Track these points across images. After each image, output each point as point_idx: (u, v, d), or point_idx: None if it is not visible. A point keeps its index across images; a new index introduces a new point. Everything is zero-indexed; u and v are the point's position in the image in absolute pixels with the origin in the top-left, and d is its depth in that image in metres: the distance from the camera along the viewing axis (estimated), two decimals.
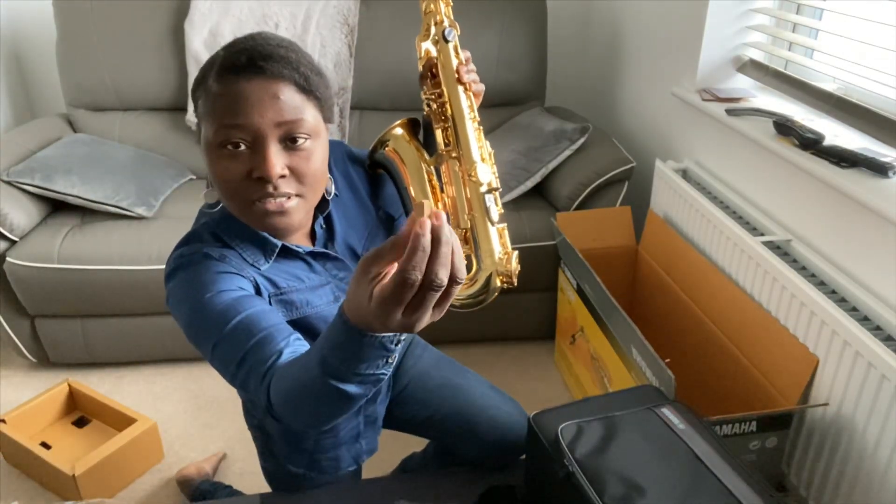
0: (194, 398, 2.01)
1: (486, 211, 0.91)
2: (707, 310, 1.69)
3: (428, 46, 0.97)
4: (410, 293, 0.59)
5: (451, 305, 0.91)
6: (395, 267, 0.60)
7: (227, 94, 0.82)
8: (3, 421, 1.74)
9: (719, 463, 0.97)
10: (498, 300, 0.96)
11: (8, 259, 1.93)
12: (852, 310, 1.37)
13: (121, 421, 1.78)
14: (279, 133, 0.84)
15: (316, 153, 0.88)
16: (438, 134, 0.96)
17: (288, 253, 0.96)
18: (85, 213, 2.06)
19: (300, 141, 0.85)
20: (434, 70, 0.96)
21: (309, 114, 0.86)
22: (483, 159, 0.94)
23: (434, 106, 0.96)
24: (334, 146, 1.07)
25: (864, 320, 1.34)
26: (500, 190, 0.94)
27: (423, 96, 0.97)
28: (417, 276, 0.58)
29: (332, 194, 1.01)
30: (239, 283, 0.89)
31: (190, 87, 0.92)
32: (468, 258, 0.94)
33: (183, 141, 2.37)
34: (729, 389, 1.59)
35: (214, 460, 1.77)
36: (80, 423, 1.87)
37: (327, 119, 0.92)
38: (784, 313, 1.47)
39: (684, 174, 1.98)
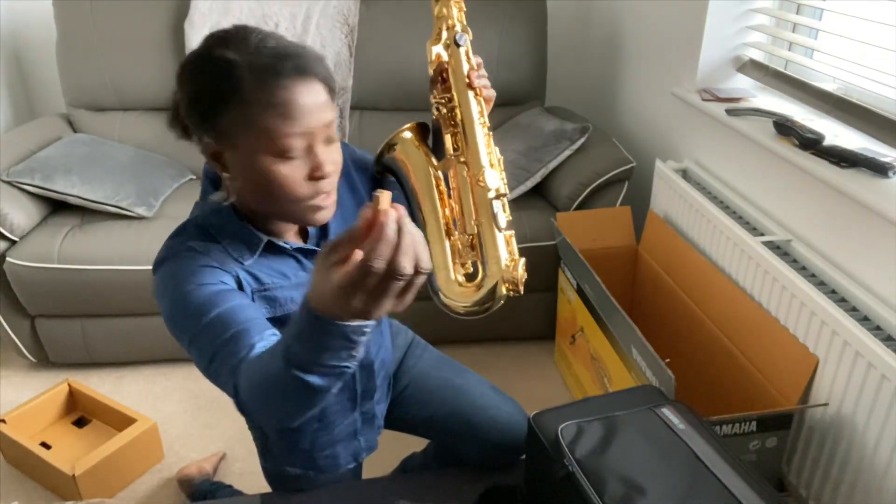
0: (194, 398, 2.00)
1: (494, 217, 0.90)
2: (707, 310, 1.69)
3: (439, 50, 0.96)
4: (373, 281, 0.61)
5: (455, 312, 0.91)
6: (357, 255, 0.61)
7: (281, 102, 0.81)
8: (3, 421, 1.74)
9: (719, 463, 0.97)
10: None
11: (8, 259, 1.93)
12: (852, 310, 1.37)
13: (121, 421, 1.78)
14: (324, 134, 0.86)
15: (338, 144, 0.91)
16: (447, 139, 0.95)
17: (275, 249, 0.96)
18: (85, 213, 2.06)
19: (332, 137, 0.88)
20: (445, 74, 0.96)
21: (335, 110, 0.89)
22: (492, 165, 0.93)
23: (444, 110, 0.96)
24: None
25: (864, 320, 1.34)
26: (509, 196, 0.94)
27: (433, 100, 0.97)
28: (381, 265, 0.60)
29: None
30: (220, 278, 0.89)
31: (190, 100, 0.88)
32: (474, 264, 0.94)
33: (183, 141, 2.37)
34: (729, 389, 1.59)
35: (215, 460, 1.77)
36: (80, 423, 1.87)
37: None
38: (784, 313, 1.47)
39: (684, 174, 1.98)
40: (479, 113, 0.95)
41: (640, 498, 0.91)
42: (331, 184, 0.89)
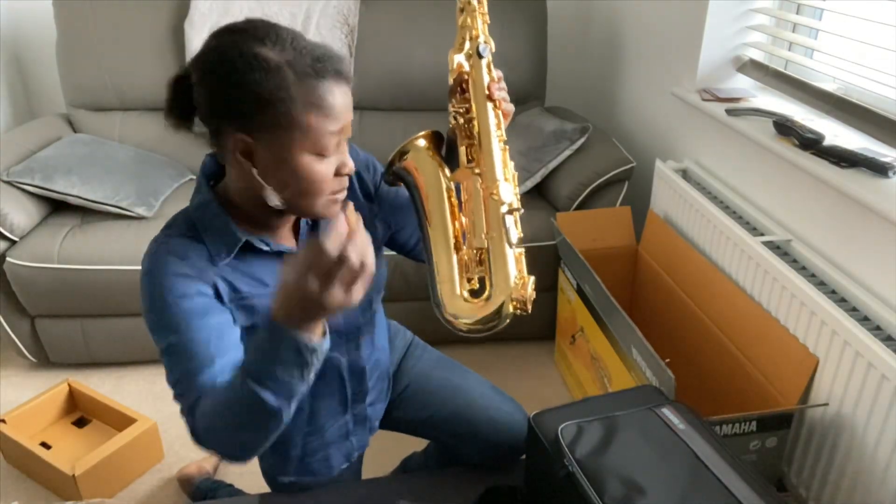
0: None
1: (506, 232, 0.90)
2: (707, 310, 1.69)
3: (461, 60, 0.95)
4: (324, 265, 0.73)
5: (458, 329, 0.91)
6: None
7: (324, 103, 0.84)
8: (3, 421, 1.74)
9: (719, 463, 0.97)
10: None
11: (8, 259, 1.93)
12: (852, 310, 1.37)
13: (121, 421, 1.78)
14: (349, 133, 0.90)
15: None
16: (462, 150, 0.95)
17: (255, 250, 0.95)
18: (85, 213, 2.06)
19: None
20: (465, 85, 0.95)
21: None
22: (507, 179, 0.93)
23: (461, 120, 0.95)
24: None
25: (864, 320, 1.34)
26: (522, 212, 0.93)
27: (451, 109, 0.96)
28: (334, 251, 0.73)
29: None
30: (198, 288, 0.90)
31: (223, 96, 0.88)
32: (481, 280, 0.92)
33: (183, 141, 2.37)
34: (729, 389, 1.59)
35: (215, 459, 1.77)
36: (80, 423, 1.87)
37: None
38: (784, 313, 1.47)
39: (684, 174, 1.98)
40: (496, 125, 0.95)
41: (640, 498, 0.91)
42: (349, 179, 0.93)
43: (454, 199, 0.97)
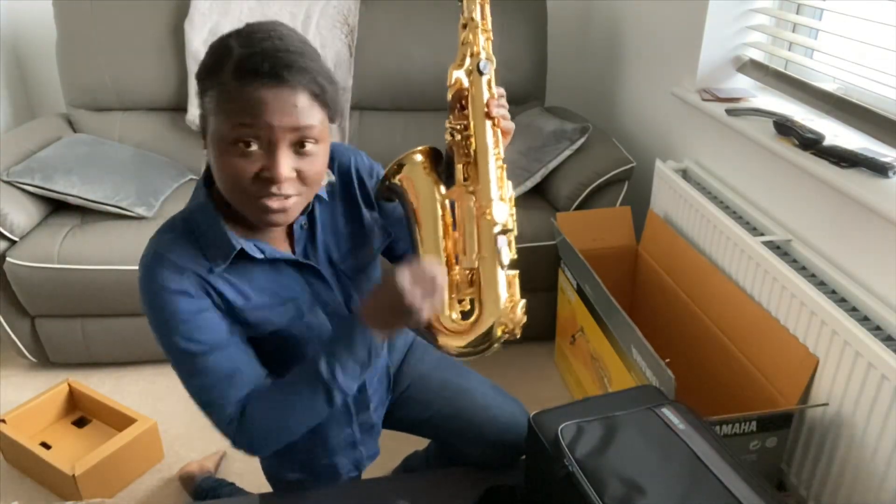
0: None
1: (498, 253, 0.87)
2: (707, 310, 1.69)
3: (460, 75, 0.93)
4: (430, 286, 0.85)
5: (448, 352, 0.91)
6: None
7: (247, 96, 0.82)
8: (3, 421, 1.74)
9: (719, 463, 0.97)
10: None
11: (8, 259, 1.93)
12: (852, 310, 1.37)
13: (121, 421, 1.78)
14: (291, 138, 0.85)
15: (320, 156, 0.89)
16: (458, 167, 0.93)
17: (250, 258, 0.95)
18: (85, 213, 2.06)
19: (308, 146, 0.86)
20: (464, 101, 0.94)
21: (319, 120, 0.87)
22: (502, 199, 0.90)
23: (458, 137, 0.93)
24: (346, 152, 1.06)
25: (864, 320, 1.34)
26: (516, 233, 0.90)
27: (448, 125, 0.94)
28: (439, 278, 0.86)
29: (325, 193, 1.01)
30: (199, 305, 0.92)
31: (194, 73, 0.91)
32: (471, 302, 0.90)
33: (183, 141, 2.37)
34: (729, 389, 1.59)
35: (216, 458, 1.77)
36: (80, 423, 1.87)
37: (332, 119, 0.92)
38: (784, 313, 1.47)
39: (684, 174, 1.98)
40: (494, 144, 0.92)
41: (640, 498, 0.91)
42: (284, 189, 0.86)
43: (449, 218, 0.94)
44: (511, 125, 0.96)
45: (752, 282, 1.58)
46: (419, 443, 1.41)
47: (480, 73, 0.93)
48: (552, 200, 2.17)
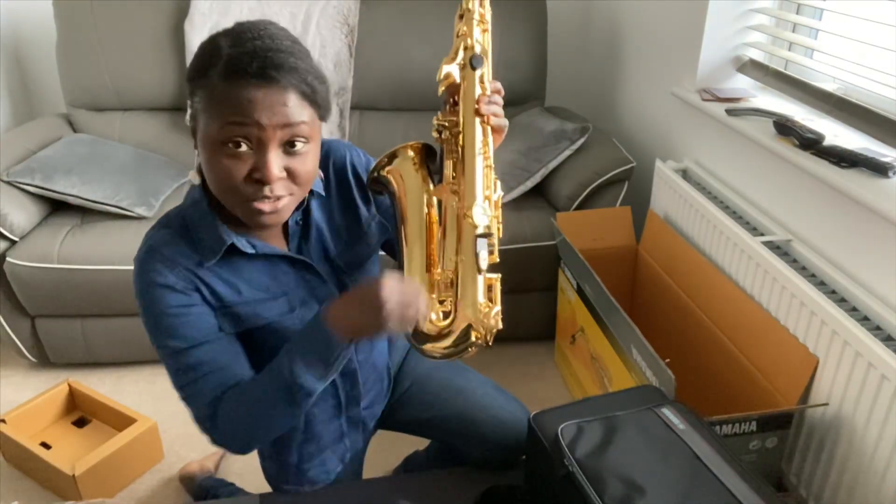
0: None
1: (476, 257, 0.85)
2: (707, 310, 1.69)
3: (451, 70, 0.89)
4: (408, 299, 0.83)
5: (428, 355, 0.91)
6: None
7: (235, 96, 0.82)
8: (3, 421, 1.74)
9: (719, 463, 0.97)
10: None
11: (8, 259, 1.93)
12: (852, 310, 1.37)
13: (121, 421, 1.78)
14: (282, 137, 0.84)
15: (311, 155, 0.89)
16: (448, 165, 0.91)
17: (242, 253, 0.95)
18: (85, 213, 2.06)
19: (299, 145, 0.86)
20: (456, 97, 0.91)
21: (309, 119, 0.86)
22: (486, 199, 0.87)
23: (447, 134, 0.90)
24: (342, 148, 1.06)
25: (864, 320, 1.34)
26: (497, 237, 0.87)
27: (436, 122, 0.91)
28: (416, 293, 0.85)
29: (318, 192, 1.01)
30: (189, 300, 0.93)
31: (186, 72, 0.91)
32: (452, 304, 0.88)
33: (183, 141, 2.37)
34: (729, 389, 1.59)
35: (216, 458, 1.77)
36: (80, 423, 1.87)
37: (323, 118, 0.91)
38: (784, 313, 1.47)
39: (684, 174, 1.98)
40: (482, 143, 0.89)
41: (640, 498, 0.91)
42: (275, 190, 0.86)
43: (435, 215, 0.92)
44: (503, 122, 0.93)
45: (752, 282, 1.58)
46: (419, 443, 1.42)
47: (473, 68, 0.89)
48: (552, 200, 2.17)
